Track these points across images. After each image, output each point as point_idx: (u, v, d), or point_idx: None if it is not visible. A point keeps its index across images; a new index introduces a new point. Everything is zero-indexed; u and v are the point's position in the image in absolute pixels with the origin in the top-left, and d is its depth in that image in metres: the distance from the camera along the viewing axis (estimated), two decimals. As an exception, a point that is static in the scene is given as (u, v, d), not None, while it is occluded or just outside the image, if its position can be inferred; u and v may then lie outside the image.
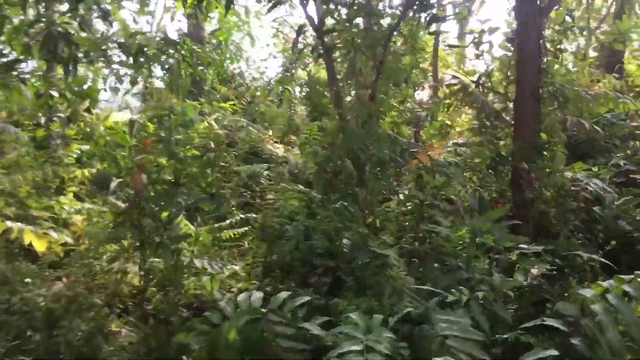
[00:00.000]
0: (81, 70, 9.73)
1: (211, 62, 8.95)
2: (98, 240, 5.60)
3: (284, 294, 4.64)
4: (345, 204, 6.21)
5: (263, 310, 4.44)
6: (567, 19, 8.40)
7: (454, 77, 7.56)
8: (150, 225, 5.06)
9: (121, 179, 5.16)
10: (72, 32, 5.96)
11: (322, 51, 6.98)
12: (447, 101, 10.03)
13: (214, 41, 15.79)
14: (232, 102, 12.92)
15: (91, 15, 6.42)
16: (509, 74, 7.32)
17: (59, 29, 6.14)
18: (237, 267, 7.37)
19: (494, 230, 5.23)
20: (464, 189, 6.24)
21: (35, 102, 9.59)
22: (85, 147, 9.75)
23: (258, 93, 15.81)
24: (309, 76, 15.54)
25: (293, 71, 15.60)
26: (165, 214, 5.28)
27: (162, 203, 5.22)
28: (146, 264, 5.29)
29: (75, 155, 10.07)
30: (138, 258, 5.31)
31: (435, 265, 5.53)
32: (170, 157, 5.22)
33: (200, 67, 8.90)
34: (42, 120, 10.31)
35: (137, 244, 5.22)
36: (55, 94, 9.01)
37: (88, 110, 9.93)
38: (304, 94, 14.84)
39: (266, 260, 6.30)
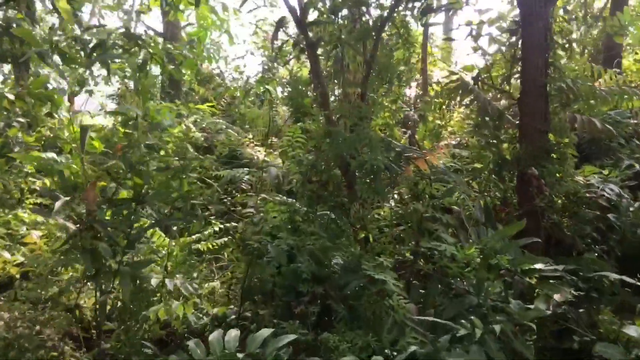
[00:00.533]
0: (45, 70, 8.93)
1: (183, 60, 8.15)
2: (45, 268, 4.79)
3: (265, 332, 3.88)
4: (334, 217, 5.48)
5: (240, 355, 3.68)
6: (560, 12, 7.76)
7: (452, 73, 6.86)
8: (106, 250, 4.27)
9: (68, 197, 4.36)
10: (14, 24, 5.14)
11: (304, 46, 6.22)
12: (439, 100, 9.36)
13: (190, 39, 15.00)
14: (210, 104, 12.21)
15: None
16: (512, 69, 6.63)
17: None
18: (215, 284, 6.70)
19: (508, 249, 4.51)
20: (467, 197, 5.52)
21: (-9, 106, 8.74)
22: (51, 155, 8.94)
23: (237, 94, 15.11)
24: (290, 75, 14.88)
25: (274, 70, 14.88)
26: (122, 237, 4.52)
27: (120, 224, 4.44)
28: (102, 294, 4.51)
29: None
30: (92, 288, 4.52)
31: (439, 288, 4.81)
32: (130, 170, 4.43)
33: (172, 67, 8.12)
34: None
35: (91, 271, 4.43)
36: (10, 96, 8.15)
37: (50, 114, 9.10)
38: (285, 94, 14.16)
39: (245, 282, 5.55)
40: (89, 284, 4.70)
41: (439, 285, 4.79)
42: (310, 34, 6.32)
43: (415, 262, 5.13)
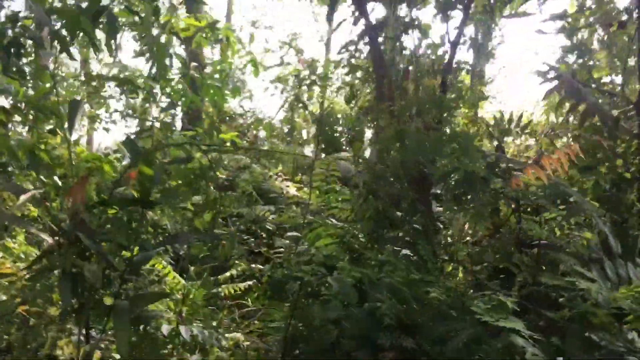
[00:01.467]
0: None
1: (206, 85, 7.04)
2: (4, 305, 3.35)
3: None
4: (411, 243, 4.02)
5: None
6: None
7: (550, 67, 5.48)
8: (95, 275, 2.82)
9: (37, 190, 2.93)
10: None
11: (365, 29, 4.92)
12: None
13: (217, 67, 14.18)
14: (233, 134, 11.15)
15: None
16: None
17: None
18: (239, 335, 5.36)
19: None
20: (600, 220, 4.02)
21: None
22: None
23: (262, 132, 14.20)
24: (321, 108, 13.88)
25: (302, 104, 13.88)
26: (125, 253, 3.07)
27: (118, 235, 3.00)
28: (87, 341, 3.04)
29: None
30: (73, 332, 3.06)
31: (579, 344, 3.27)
32: (135, 160, 3.03)
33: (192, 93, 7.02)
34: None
35: (73, 306, 2.97)
36: (6, 105, 6.92)
37: (53, 131, 7.85)
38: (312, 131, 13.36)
39: (287, 332, 4.03)
40: (68, 325, 3.23)
41: (580, 341, 3.25)
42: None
43: (534, 305, 3.60)
